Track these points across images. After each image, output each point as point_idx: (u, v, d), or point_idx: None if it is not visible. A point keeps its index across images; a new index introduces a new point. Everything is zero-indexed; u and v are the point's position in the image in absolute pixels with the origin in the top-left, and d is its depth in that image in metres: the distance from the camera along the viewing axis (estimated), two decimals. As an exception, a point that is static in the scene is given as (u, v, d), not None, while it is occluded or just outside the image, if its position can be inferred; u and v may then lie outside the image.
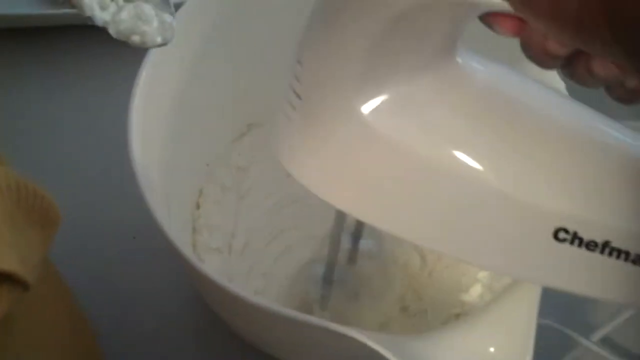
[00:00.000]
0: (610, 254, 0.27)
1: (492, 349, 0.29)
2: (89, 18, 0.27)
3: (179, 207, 0.41)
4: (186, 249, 0.31)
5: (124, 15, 0.28)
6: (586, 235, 0.27)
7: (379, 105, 0.26)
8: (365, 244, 0.41)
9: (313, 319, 0.29)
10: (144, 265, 0.45)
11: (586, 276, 0.28)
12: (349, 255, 0.41)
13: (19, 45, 0.56)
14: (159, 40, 0.31)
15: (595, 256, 0.27)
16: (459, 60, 0.27)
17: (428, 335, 0.29)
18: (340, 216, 0.35)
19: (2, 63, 0.55)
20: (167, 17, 0.29)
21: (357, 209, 0.28)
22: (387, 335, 0.29)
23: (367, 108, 0.26)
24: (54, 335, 0.31)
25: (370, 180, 0.27)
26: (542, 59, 0.25)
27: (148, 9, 0.30)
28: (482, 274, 0.42)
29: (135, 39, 0.30)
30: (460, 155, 0.27)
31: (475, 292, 0.42)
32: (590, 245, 0.27)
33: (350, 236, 0.39)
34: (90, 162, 0.50)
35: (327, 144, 0.27)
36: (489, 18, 0.24)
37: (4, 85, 0.54)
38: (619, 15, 0.20)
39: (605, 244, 0.27)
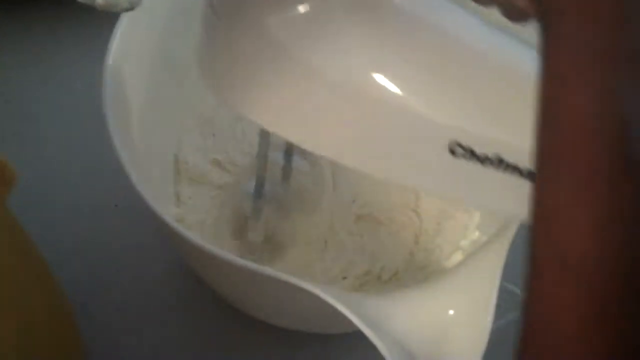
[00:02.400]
0: (505, 169, 0.29)
1: (451, 312, 0.29)
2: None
3: (159, 171, 0.42)
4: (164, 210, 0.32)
5: (89, -21, 0.28)
6: (479, 150, 0.28)
7: (290, 21, 0.27)
8: (298, 161, 0.42)
9: (270, 271, 0.30)
10: (126, 233, 0.45)
11: (482, 189, 0.29)
12: (282, 172, 0.42)
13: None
14: (126, 4, 0.31)
15: (490, 171, 0.29)
16: None
17: (386, 295, 0.30)
18: (265, 132, 0.36)
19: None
20: (134, -18, 0.29)
21: (271, 123, 0.29)
22: (346, 292, 0.29)
23: (279, 24, 0.27)
24: (17, 292, 0.32)
25: (282, 96, 0.28)
26: None
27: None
28: (464, 242, 0.43)
29: (100, 2, 0.31)
30: (361, 71, 0.27)
31: (456, 260, 0.43)
32: (485, 160, 0.28)
33: (283, 153, 0.41)
34: (68, 132, 0.50)
35: (242, 61, 0.28)
36: None
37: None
38: None
39: (499, 160, 0.28)
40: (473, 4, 0.28)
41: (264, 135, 0.36)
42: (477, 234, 0.43)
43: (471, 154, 0.28)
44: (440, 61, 0.28)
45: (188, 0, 0.41)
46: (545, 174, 0.19)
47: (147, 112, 0.39)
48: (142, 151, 0.37)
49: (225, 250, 0.31)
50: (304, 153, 0.42)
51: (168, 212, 0.41)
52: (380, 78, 0.27)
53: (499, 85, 0.28)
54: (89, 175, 0.47)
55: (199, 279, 0.41)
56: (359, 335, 0.28)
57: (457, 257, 0.42)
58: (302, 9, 0.27)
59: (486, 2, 0.27)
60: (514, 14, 0.26)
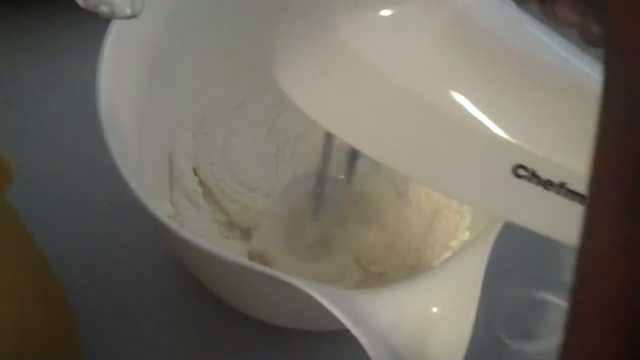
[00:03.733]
0: (565, 195, 0.28)
1: (435, 309, 0.30)
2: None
3: (154, 169, 0.43)
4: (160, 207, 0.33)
5: (92, -15, 0.29)
6: (544, 175, 0.28)
7: (361, 25, 0.27)
8: (363, 164, 0.41)
9: (258, 266, 0.31)
10: (122, 230, 0.46)
11: (542, 214, 0.29)
12: (346, 174, 0.41)
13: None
14: (127, 11, 0.31)
15: (552, 195, 0.28)
16: None
17: (370, 291, 0.30)
18: (329, 135, 0.36)
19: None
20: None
21: (338, 127, 0.29)
22: (329, 287, 0.30)
23: (349, 27, 0.27)
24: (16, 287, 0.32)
25: (349, 100, 0.29)
26: None
27: (117, -20, 0.31)
28: (454, 242, 0.44)
29: (104, 9, 0.31)
30: (433, 83, 0.28)
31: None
32: (548, 185, 0.28)
33: (347, 155, 0.40)
34: (65, 130, 0.50)
35: (311, 62, 0.29)
36: None
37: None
38: None
39: (562, 185, 0.28)
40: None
41: (329, 135, 0.36)
42: (467, 234, 0.43)
43: (534, 177, 0.28)
44: (515, 80, 0.28)
45: (183, 2, 0.42)
46: (596, 214, 0.18)
47: (142, 112, 0.40)
48: (137, 149, 0.38)
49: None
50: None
51: (163, 208, 0.42)
52: (451, 91, 0.27)
53: (573, 110, 0.28)
54: (86, 173, 0.48)
55: (194, 276, 0.42)
56: (350, 332, 0.29)
57: (446, 257, 0.43)
58: (382, 14, 0.27)
59: (563, 26, 0.27)
60: (591, 39, 0.26)
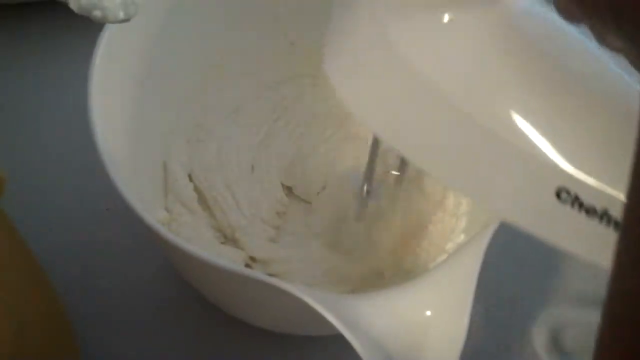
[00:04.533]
0: (608, 222, 0.27)
1: (428, 312, 0.30)
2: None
3: (148, 175, 0.43)
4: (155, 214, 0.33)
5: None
6: (586, 201, 0.27)
7: (410, 31, 0.28)
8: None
9: (251, 272, 0.31)
10: (117, 236, 0.46)
11: (583, 239, 0.28)
12: (395, 178, 0.42)
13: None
14: (121, 15, 0.31)
15: (594, 223, 0.27)
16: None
17: (363, 296, 0.30)
18: (377, 141, 0.36)
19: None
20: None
21: (383, 131, 0.29)
22: (322, 292, 0.30)
23: (398, 32, 0.28)
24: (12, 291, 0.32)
25: (395, 105, 0.29)
26: (567, 16, 0.27)
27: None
28: (450, 245, 0.44)
29: (97, 13, 0.31)
30: (479, 96, 0.27)
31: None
32: (590, 211, 0.27)
33: (400, 159, 0.41)
34: (58, 136, 0.50)
35: (360, 62, 0.29)
36: None
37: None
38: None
39: (604, 213, 0.27)
40: None
41: (375, 143, 0.36)
42: (462, 237, 0.43)
43: (576, 201, 0.27)
44: (566, 98, 0.28)
45: (175, 3, 0.42)
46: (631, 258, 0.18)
47: (136, 118, 0.40)
48: (131, 156, 0.38)
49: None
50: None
51: (157, 215, 0.42)
52: (499, 105, 0.27)
53: (624, 135, 0.26)
54: (81, 179, 0.47)
55: (188, 282, 0.42)
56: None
57: (442, 259, 0.43)
58: (434, 19, 0.28)
59: (612, 50, 0.26)
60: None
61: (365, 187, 0.40)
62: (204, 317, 0.44)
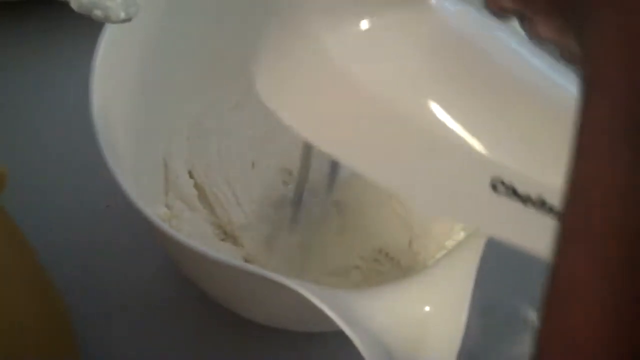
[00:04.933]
0: (544, 210, 0.28)
1: (427, 308, 0.30)
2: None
3: (149, 172, 0.43)
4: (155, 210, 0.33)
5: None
6: (522, 190, 0.28)
7: (342, 35, 0.28)
8: (345, 172, 0.41)
9: (251, 267, 0.31)
10: (117, 233, 0.46)
11: (521, 229, 0.29)
12: (327, 181, 0.42)
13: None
14: (122, 15, 0.32)
15: (530, 211, 0.28)
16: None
17: (363, 292, 0.31)
18: (308, 145, 0.36)
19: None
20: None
21: (317, 137, 0.30)
22: (321, 288, 0.30)
23: (328, 38, 0.28)
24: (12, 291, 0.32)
25: (329, 109, 0.29)
26: (495, 11, 0.27)
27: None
28: (449, 242, 0.44)
29: (98, 13, 0.31)
30: (411, 95, 0.28)
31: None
32: (526, 200, 0.28)
33: (330, 163, 0.40)
34: (59, 134, 0.51)
35: (291, 72, 0.29)
36: None
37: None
38: None
39: (540, 200, 0.28)
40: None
41: (308, 145, 0.36)
42: (462, 234, 0.44)
43: (513, 192, 0.28)
44: (495, 94, 0.28)
45: (177, 2, 0.42)
46: (566, 246, 0.18)
47: (137, 115, 0.40)
48: (132, 152, 0.38)
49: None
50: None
51: (158, 211, 0.43)
52: (430, 104, 0.28)
53: (549, 125, 0.28)
54: (81, 176, 0.48)
55: (190, 279, 0.42)
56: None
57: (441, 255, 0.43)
58: (362, 26, 0.28)
59: (542, 44, 0.27)
60: (569, 57, 0.26)
61: (298, 193, 0.40)
62: (204, 316, 0.45)
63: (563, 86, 0.28)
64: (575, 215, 0.18)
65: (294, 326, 0.42)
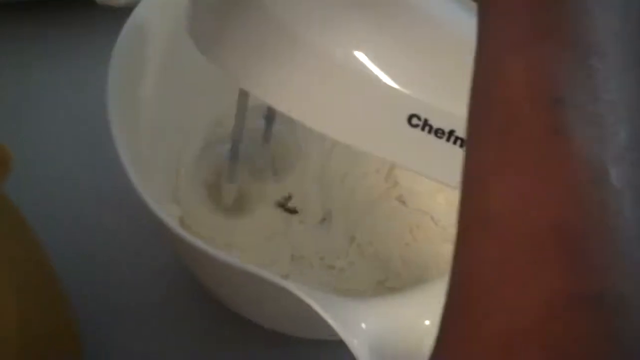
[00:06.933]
0: (454, 142, 0.30)
1: (427, 322, 0.30)
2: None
3: (160, 174, 0.43)
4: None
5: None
6: (435, 123, 0.30)
7: None
8: (278, 125, 0.44)
9: (262, 272, 0.31)
10: (124, 231, 0.47)
11: (433, 160, 0.31)
12: (263, 135, 0.44)
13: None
14: (121, 1, 0.33)
15: (442, 142, 0.30)
16: None
17: (364, 300, 0.31)
18: (244, 93, 0.37)
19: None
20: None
21: (251, 83, 0.32)
22: (323, 293, 0.30)
23: None
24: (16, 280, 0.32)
25: (260, 55, 0.31)
26: None
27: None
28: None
29: None
30: (332, 34, 0.30)
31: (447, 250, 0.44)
32: (439, 133, 0.30)
33: (264, 119, 0.43)
34: (71, 129, 0.51)
35: (225, 21, 0.31)
36: None
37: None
38: None
39: (451, 132, 0.30)
40: None
41: (242, 96, 0.38)
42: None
43: (426, 125, 0.30)
44: (408, 34, 0.31)
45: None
46: (473, 141, 0.20)
47: (152, 111, 0.41)
48: (146, 149, 0.38)
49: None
50: (283, 118, 0.44)
51: (169, 209, 0.43)
52: (353, 44, 0.30)
53: (461, 61, 0.29)
54: (94, 173, 0.48)
55: (196, 279, 0.42)
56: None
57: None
58: None
59: None
60: None
61: (234, 146, 0.41)
62: (209, 315, 0.45)
63: (470, 24, 0.30)
64: (481, 108, 0.20)
65: (298, 332, 0.42)
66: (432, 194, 0.47)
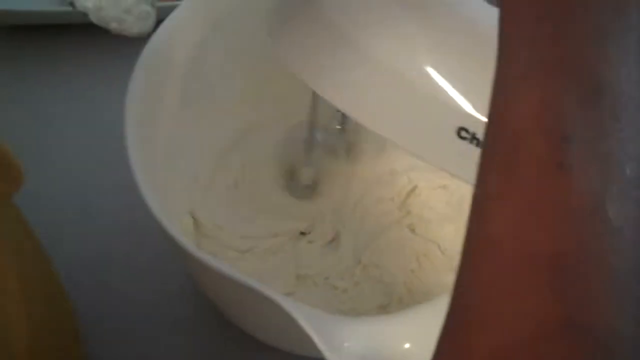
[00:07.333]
0: None
1: (407, 345, 0.30)
2: (86, 15, 0.31)
3: (177, 189, 0.44)
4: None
5: (104, 2, 0.31)
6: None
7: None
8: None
9: (255, 284, 0.31)
10: (136, 248, 0.47)
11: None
12: (341, 121, 0.47)
13: (20, 42, 0.58)
14: (136, 30, 0.34)
15: None
16: None
17: (345, 319, 0.31)
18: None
19: (2, 58, 0.57)
20: (146, 8, 0.32)
21: (320, 87, 0.34)
22: (311, 309, 0.30)
23: (337, 6, 0.32)
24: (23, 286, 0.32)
25: (327, 62, 0.33)
26: None
27: (128, -1, 0.32)
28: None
29: (114, 25, 0.34)
30: (392, 47, 0.32)
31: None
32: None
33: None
34: (86, 146, 0.52)
35: (299, 30, 0.34)
36: None
37: (6, 82, 0.56)
38: None
39: None
40: None
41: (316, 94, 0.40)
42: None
43: (474, 139, 0.32)
44: (462, 47, 0.32)
45: (214, 23, 0.44)
46: (483, 166, 0.21)
47: (170, 131, 0.42)
48: (161, 166, 0.39)
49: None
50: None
51: (183, 223, 0.44)
52: (412, 57, 0.32)
53: None
54: (103, 189, 0.49)
55: (206, 297, 0.43)
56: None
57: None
58: None
59: None
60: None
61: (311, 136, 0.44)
62: (220, 333, 0.45)
63: None
64: (494, 135, 0.20)
65: (308, 352, 0.41)
66: (442, 223, 0.48)
